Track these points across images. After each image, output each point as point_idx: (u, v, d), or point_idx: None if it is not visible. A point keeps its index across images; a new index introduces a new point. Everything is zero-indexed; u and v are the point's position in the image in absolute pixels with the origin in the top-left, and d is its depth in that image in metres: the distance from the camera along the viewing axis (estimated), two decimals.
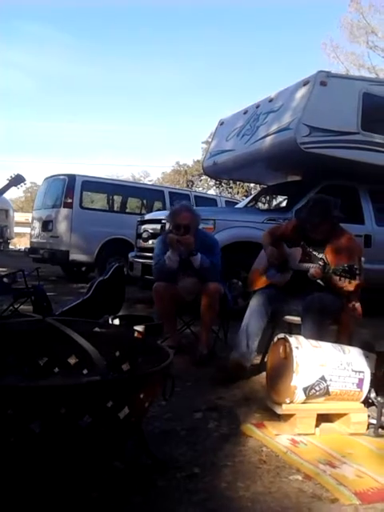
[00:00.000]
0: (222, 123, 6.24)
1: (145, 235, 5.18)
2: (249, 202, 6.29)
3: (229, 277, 4.15)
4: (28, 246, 8.91)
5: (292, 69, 40.20)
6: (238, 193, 23.00)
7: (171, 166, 30.53)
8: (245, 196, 18.99)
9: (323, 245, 2.60)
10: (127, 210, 8.14)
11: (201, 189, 25.87)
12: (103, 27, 60.54)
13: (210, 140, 8.53)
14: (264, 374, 2.27)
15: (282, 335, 2.05)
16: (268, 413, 1.99)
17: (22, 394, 1.19)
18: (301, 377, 1.85)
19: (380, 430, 1.89)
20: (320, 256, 2.59)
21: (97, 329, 1.79)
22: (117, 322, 2.94)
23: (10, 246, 14.52)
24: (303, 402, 1.89)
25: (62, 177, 7.36)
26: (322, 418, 1.93)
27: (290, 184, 5.77)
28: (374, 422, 1.90)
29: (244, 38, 52.59)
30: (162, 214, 5.19)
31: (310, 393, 1.86)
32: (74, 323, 1.60)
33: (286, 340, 1.98)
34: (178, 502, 1.35)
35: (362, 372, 1.93)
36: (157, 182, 28.05)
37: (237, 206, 7.04)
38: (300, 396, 1.86)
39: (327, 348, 1.98)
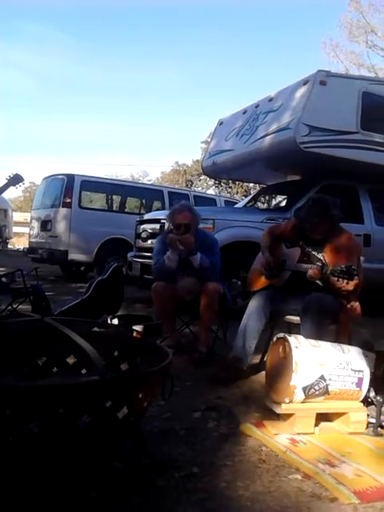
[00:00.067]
0: (221, 123, 6.24)
1: (144, 235, 5.17)
2: (248, 202, 6.29)
3: (228, 276, 4.15)
4: (27, 245, 8.90)
5: (292, 68, 40.28)
6: (237, 192, 23.01)
7: (170, 165, 30.57)
8: (244, 196, 19.00)
9: (322, 244, 2.60)
10: (126, 210, 8.13)
11: (200, 188, 25.88)
12: (103, 27, 60.66)
13: (209, 140, 8.53)
14: (263, 373, 2.27)
15: (281, 335, 2.05)
16: (267, 412, 1.99)
17: (20, 394, 1.19)
18: (300, 376, 1.85)
19: (379, 429, 1.89)
20: (319, 256, 2.59)
21: (95, 328, 1.79)
22: (116, 321, 2.93)
23: (9, 246, 14.51)
24: (302, 402, 1.89)
25: (60, 176, 7.36)
26: (322, 418, 1.93)
27: (289, 183, 5.77)
28: (374, 421, 1.90)
29: (244, 37, 52.71)
30: (161, 214, 5.20)
31: (309, 392, 1.86)
32: (72, 323, 1.60)
33: (285, 339, 1.98)
34: (176, 502, 1.35)
35: (362, 371, 1.93)
36: (156, 182, 28.05)
37: (236, 206, 7.04)
38: (299, 395, 1.86)
39: (326, 347, 1.97)
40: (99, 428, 1.26)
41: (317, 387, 1.87)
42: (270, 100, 5.24)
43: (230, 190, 23.54)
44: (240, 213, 5.37)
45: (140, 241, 5.27)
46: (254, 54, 53.95)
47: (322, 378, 1.87)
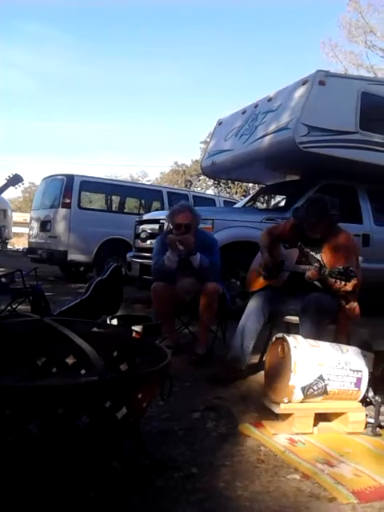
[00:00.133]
0: (220, 123, 6.24)
1: (143, 235, 5.17)
2: (247, 202, 6.29)
3: (227, 276, 4.15)
4: (26, 246, 8.90)
5: (291, 68, 40.32)
6: (236, 192, 23.02)
7: (170, 166, 30.58)
8: (243, 196, 19.00)
9: (320, 244, 2.60)
10: (125, 210, 8.13)
11: (199, 189, 25.88)
12: (103, 27, 60.71)
13: (208, 140, 8.53)
14: (262, 373, 2.28)
15: (280, 335, 2.06)
16: (266, 412, 1.99)
17: (19, 394, 1.19)
18: (299, 376, 1.85)
19: (378, 429, 1.90)
20: (317, 256, 2.59)
21: (95, 329, 1.79)
22: (115, 322, 2.94)
23: (9, 246, 14.50)
24: (301, 402, 1.89)
25: (60, 177, 7.36)
26: (320, 418, 1.93)
27: (288, 183, 5.77)
28: (372, 421, 1.90)
29: (243, 37, 52.77)
30: (160, 214, 5.20)
31: (308, 392, 1.87)
32: (71, 323, 1.60)
33: (284, 339, 1.99)
34: (175, 502, 1.35)
35: (360, 371, 1.93)
36: (155, 182, 28.05)
37: (235, 206, 7.04)
38: (298, 395, 1.86)
39: (325, 347, 1.98)
40: (98, 428, 1.26)
41: (315, 387, 1.87)
42: (269, 100, 5.25)
43: (229, 190, 23.55)
44: (239, 213, 5.37)
45: (139, 241, 5.27)
46: (253, 54, 54.12)
47: (321, 377, 1.88)
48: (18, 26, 63.30)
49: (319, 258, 2.57)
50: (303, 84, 4.77)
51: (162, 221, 4.83)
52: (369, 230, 5.05)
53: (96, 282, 3.74)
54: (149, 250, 4.58)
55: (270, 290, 2.68)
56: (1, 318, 2.98)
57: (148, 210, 7.75)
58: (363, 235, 4.93)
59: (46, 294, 3.73)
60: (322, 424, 1.93)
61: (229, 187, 23.36)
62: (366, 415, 1.92)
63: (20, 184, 3.57)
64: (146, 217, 5.55)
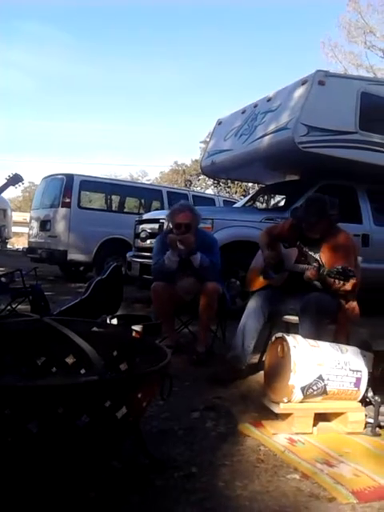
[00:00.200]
0: (219, 123, 6.24)
1: (143, 235, 5.17)
2: (247, 202, 6.29)
3: (227, 276, 4.15)
4: (26, 245, 8.89)
5: (291, 68, 40.28)
6: (236, 192, 23.01)
7: (169, 165, 30.55)
8: (243, 195, 19.00)
9: (319, 244, 2.60)
10: (125, 210, 8.13)
11: (199, 188, 25.87)
12: (103, 27, 60.68)
13: (208, 140, 8.53)
14: (262, 373, 2.28)
15: (279, 334, 2.06)
16: (266, 412, 1.99)
17: (19, 394, 1.19)
18: (298, 376, 1.85)
19: (377, 429, 1.90)
20: (316, 256, 2.59)
21: (95, 328, 1.79)
22: (115, 321, 2.94)
23: (8, 246, 14.49)
24: (301, 401, 1.89)
25: (59, 176, 7.35)
26: (320, 417, 1.93)
27: (287, 183, 5.78)
28: (372, 421, 1.90)
29: (243, 37, 52.74)
30: (160, 214, 5.20)
31: (307, 392, 1.87)
32: (71, 323, 1.60)
33: (283, 339, 1.99)
34: (175, 502, 1.35)
35: (360, 371, 1.93)
36: (155, 182, 28.03)
37: (235, 206, 7.04)
38: (298, 395, 1.86)
39: (325, 347, 1.98)
40: (98, 428, 1.26)
41: (315, 387, 1.87)
42: (269, 100, 5.25)
43: (228, 189, 23.54)
44: (239, 212, 5.38)
45: (139, 241, 5.27)
46: (253, 53, 54.15)
47: (321, 377, 1.88)
48: (18, 25, 63.39)
49: (318, 258, 2.57)
50: (303, 84, 4.78)
51: (161, 220, 4.83)
52: (368, 230, 5.06)
53: (96, 282, 3.74)
54: (149, 249, 4.58)
55: (269, 290, 2.68)
56: (1, 318, 2.98)
57: (148, 210, 7.75)
58: (363, 235, 4.94)
59: (45, 293, 3.73)
60: (321, 424, 1.93)
61: (228, 187, 23.36)
62: (366, 415, 1.92)
63: (20, 184, 3.57)
64: (145, 216, 5.55)
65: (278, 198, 6.30)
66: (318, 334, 2.25)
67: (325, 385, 1.88)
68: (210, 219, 4.35)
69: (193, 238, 2.90)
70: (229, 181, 19.24)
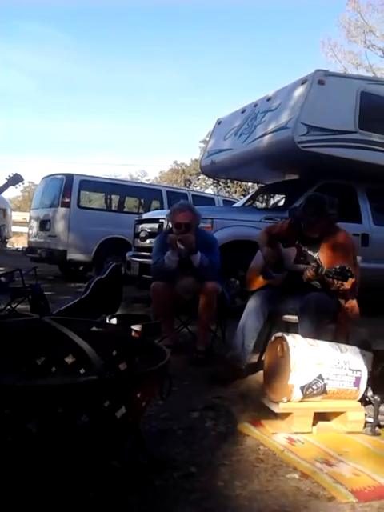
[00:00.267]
0: (219, 122, 6.24)
1: (142, 234, 5.17)
2: (246, 201, 6.29)
3: (226, 276, 4.15)
4: (26, 245, 8.89)
5: (290, 68, 40.26)
6: (235, 192, 23.01)
7: (169, 165, 30.55)
8: (242, 195, 19.00)
9: (318, 243, 2.60)
10: (125, 210, 8.12)
11: (198, 188, 25.88)
12: (103, 27, 60.64)
13: (207, 139, 8.52)
14: (261, 372, 2.28)
15: (279, 334, 2.06)
16: (265, 411, 1.99)
17: (19, 394, 1.19)
18: (298, 375, 1.85)
19: (377, 428, 1.90)
20: (315, 255, 2.59)
21: (94, 328, 1.79)
22: (114, 321, 2.94)
23: (8, 246, 14.48)
24: (300, 401, 1.89)
25: (59, 176, 7.35)
26: (319, 417, 1.93)
27: (287, 183, 5.78)
28: (371, 420, 1.91)
29: (243, 37, 52.68)
30: (159, 214, 5.20)
31: (307, 391, 1.87)
32: (71, 322, 1.60)
33: (283, 339, 1.99)
34: (174, 501, 1.35)
35: (359, 370, 1.93)
36: (154, 182, 28.03)
37: (234, 205, 7.04)
38: (297, 394, 1.86)
39: (324, 347, 1.98)
40: (97, 428, 1.26)
41: (314, 386, 1.87)
42: (269, 99, 5.24)
43: (228, 189, 23.55)
44: (238, 212, 5.38)
45: (139, 240, 5.27)
46: (252, 53, 54.09)
47: (320, 377, 1.88)
48: (18, 25, 63.37)
49: (317, 258, 2.57)
50: (302, 83, 4.77)
51: (161, 220, 4.83)
52: (368, 230, 5.06)
53: (95, 282, 3.74)
54: (148, 249, 4.58)
55: (269, 289, 2.68)
56: (0, 318, 2.98)
57: (147, 210, 7.75)
58: (362, 235, 4.94)
59: (45, 293, 3.73)
60: (321, 423, 1.93)
61: (228, 186, 23.37)
62: (365, 415, 1.92)
63: (20, 183, 3.57)
64: (145, 216, 5.55)
65: (277, 197, 6.31)
66: (317, 334, 2.25)
67: (324, 384, 1.88)
68: (209, 219, 4.35)
69: (193, 238, 2.90)
70: (228, 180, 19.26)
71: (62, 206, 6.95)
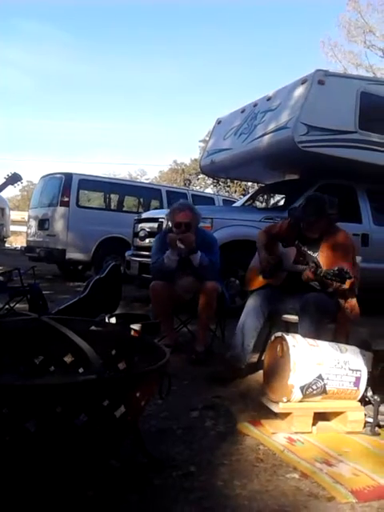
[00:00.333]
0: (219, 122, 6.23)
1: (142, 234, 5.16)
2: (246, 201, 6.29)
3: (226, 275, 4.14)
4: (24, 244, 8.88)
5: (290, 67, 40.29)
6: (235, 191, 23.02)
7: (168, 164, 30.55)
8: (242, 195, 19.00)
9: (318, 243, 2.60)
10: (124, 209, 8.12)
11: (198, 187, 25.88)
12: (102, 25, 60.60)
13: (207, 139, 8.52)
14: (261, 372, 2.27)
15: (279, 334, 2.05)
16: (265, 411, 1.99)
17: (17, 393, 1.18)
18: (298, 375, 1.85)
19: (377, 428, 1.89)
20: (315, 255, 2.59)
21: (93, 327, 1.78)
22: (113, 320, 2.93)
23: (6, 245, 14.46)
24: (300, 401, 1.88)
25: (58, 175, 7.34)
26: (319, 417, 1.93)
27: (287, 183, 5.78)
28: (371, 420, 1.90)
29: (243, 36, 52.69)
30: (159, 213, 5.19)
31: (306, 391, 1.86)
32: (70, 322, 1.59)
33: (283, 338, 1.98)
34: (174, 501, 1.35)
35: (359, 370, 1.93)
36: (154, 181, 28.02)
37: (234, 205, 7.04)
38: (297, 394, 1.86)
39: (324, 347, 1.97)
40: (96, 427, 1.26)
41: (314, 386, 1.87)
42: (269, 99, 5.24)
43: (228, 188, 23.55)
44: (238, 212, 5.37)
45: (138, 240, 5.27)
46: (252, 52, 54.11)
47: (320, 377, 1.87)
48: (17, 24, 63.22)
49: (316, 258, 2.57)
50: (302, 83, 4.77)
51: (160, 219, 4.82)
52: (368, 230, 5.06)
53: (94, 281, 3.73)
54: (148, 248, 4.58)
55: (269, 289, 2.68)
56: None
57: (147, 209, 7.74)
58: (362, 235, 4.94)
59: (44, 292, 3.71)
60: (320, 423, 1.93)
61: (228, 186, 23.38)
62: (365, 415, 1.92)
63: (19, 183, 3.57)
64: (144, 215, 5.54)
65: (277, 197, 6.30)
66: (317, 334, 2.24)
67: (324, 384, 1.88)
68: (209, 218, 4.35)
69: (193, 237, 2.89)
70: (228, 180, 19.26)
71: (60, 206, 6.94)
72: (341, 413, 1.93)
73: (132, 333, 1.79)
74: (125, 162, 70.51)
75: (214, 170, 6.40)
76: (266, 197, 6.32)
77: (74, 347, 1.38)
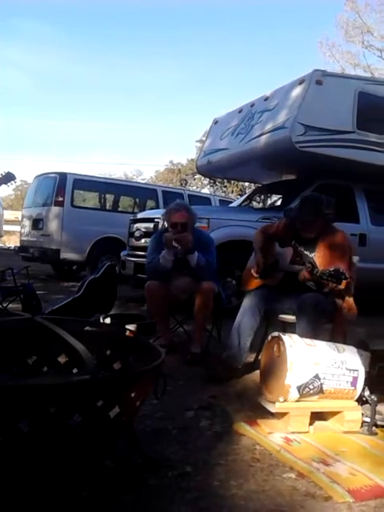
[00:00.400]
0: (216, 122, 6.22)
1: (137, 234, 5.14)
2: (243, 201, 6.28)
3: (223, 275, 4.13)
4: (18, 244, 8.83)
5: (288, 67, 40.23)
6: (232, 192, 23.04)
7: (165, 164, 30.53)
8: (239, 195, 19.02)
9: (315, 243, 2.59)
10: (119, 209, 8.09)
11: (195, 188, 25.88)
12: (102, 26, 60.51)
13: (204, 139, 8.52)
14: (257, 372, 2.26)
15: (276, 333, 2.04)
16: (261, 411, 1.98)
17: (10, 393, 1.16)
18: (295, 375, 1.84)
19: (374, 428, 1.89)
20: (312, 255, 2.58)
21: (87, 327, 1.76)
22: (108, 320, 2.90)
23: (0, 244, 14.39)
24: (297, 400, 1.87)
25: (52, 175, 7.30)
26: (316, 416, 1.92)
27: (284, 183, 5.77)
28: (368, 420, 1.89)
29: (241, 36, 52.56)
30: (154, 213, 5.17)
31: (303, 391, 1.85)
32: (64, 322, 1.58)
33: (280, 338, 1.97)
34: (169, 501, 1.33)
35: (356, 370, 1.92)
36: (150, 181, 28.00)
37: (231, 205, 7.03)
38: (294, 394, 1.85)
39: (321, 346, 1.97)
40: (91, 427, 1.24)
41: (311, 386, 1.86)
42: (266, 99, 5.24)
43: (224, 189, 23.56)
44: (235, 212, 5.37)
45: (133, 240, 5.24)
46: (251, 52, 54.04)
47: (317, 376, 1.86)
48: (16, 24, 62.91)
49: (312, 258, 2.56)
50: (300, 83, 4.77)
51: (156, 219, 4.80)
52: (365, 230, 5.06)
53: (89, 281, 3.71)
54: (143, 248, 4.56)
55: (265, 289, 2.66)
56: None
57: (142, 209, 7.72)
58: (360, 235, 4.94)
59: (37, 292, 3.70)
60: (317, 423, 1.92)
61: (224, 186, 23.39)
62: (362, 414, 1.91)
63: (12, 182, 3.55)
64: (140, 215, 5.52)
65: (274, 197, 6.30)
66: (314, 334, 2.23)
67: (321, 384, 1.87)
68: (206, 218, 4.33)
69: (190, 237, 2.88)
70: (225, 180, 19.27)
71: (55, 205, 6.89)
72: (338, 412, 1.92)
73: (127, 333, 1.77)
74: (121, 162, 70.52)
75: (211, 170, 6.39)
76: (262, 197, 6.32)
77: (67, 347, 1.37)
